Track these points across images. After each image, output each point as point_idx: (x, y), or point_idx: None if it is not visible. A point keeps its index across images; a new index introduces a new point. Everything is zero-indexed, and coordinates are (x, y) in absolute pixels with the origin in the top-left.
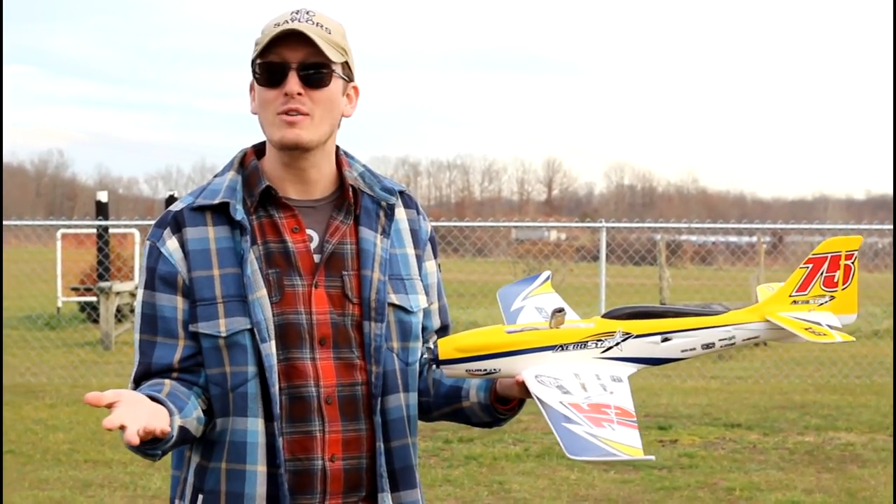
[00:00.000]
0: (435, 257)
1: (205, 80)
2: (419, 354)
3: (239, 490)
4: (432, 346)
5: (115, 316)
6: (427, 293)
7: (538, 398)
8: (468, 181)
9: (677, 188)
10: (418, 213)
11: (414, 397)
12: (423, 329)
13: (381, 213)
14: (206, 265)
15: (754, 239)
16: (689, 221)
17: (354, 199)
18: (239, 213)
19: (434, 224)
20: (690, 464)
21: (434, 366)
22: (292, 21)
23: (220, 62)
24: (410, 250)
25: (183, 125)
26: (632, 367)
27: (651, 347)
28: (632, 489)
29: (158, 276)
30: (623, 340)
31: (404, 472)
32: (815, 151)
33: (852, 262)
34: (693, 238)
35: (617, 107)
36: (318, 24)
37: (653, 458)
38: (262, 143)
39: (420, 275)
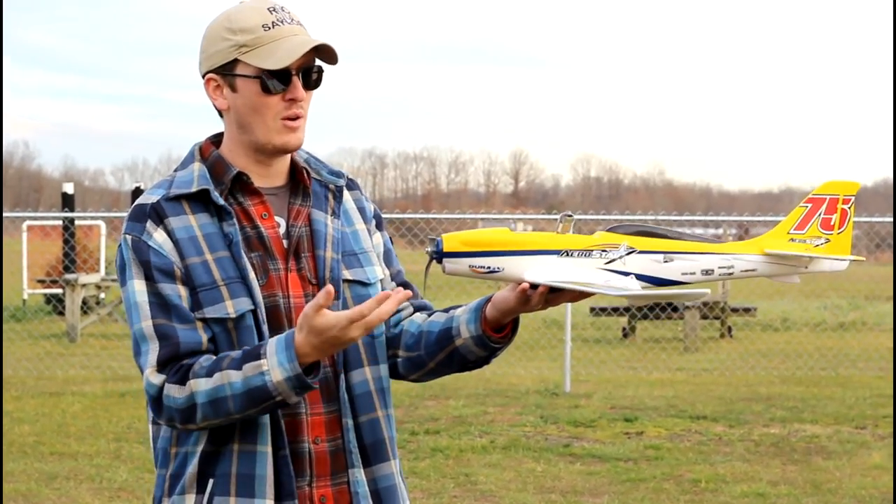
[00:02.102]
0: (381, 230)
1: (172, 71)
2: (384, 327)
3: (250, 472)
4: (437, 239)
5: (81, 308)
6: (380, 262)
7: (559, 282)
8: (435, 173)
9: (644, 180)
10: (362, 194)
11: (383, 370)
12: None
13: (330, 196)
14: (198, 251)
15: (720, 231)
16: (656, 213)
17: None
18: (220, 199)
19: (400, 216)
20: (656, 456)
21: (437, 261)
22: (282, 23)
23: (187, 53)
24: (361, 226)
25: (149, 116)
26: (634, 283)
27: (653, 265)
28: (598, 481)
29: (155, 268)
30: (627, 254)
31: (375, 447)
32: (781, 144)
33: (849, 207)
34: None
35: (583, 99)
36: (298, 22)
37: (707, 291)
38: (218, 135)
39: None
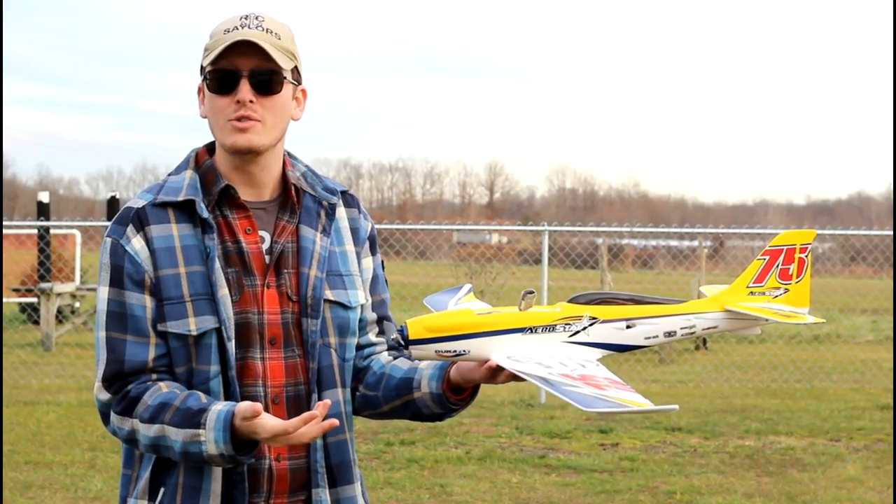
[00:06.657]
0: (374, 254)
1: (146, 80)
2: (355, 351)
3: (197, 484)
4: (402, 326)
5: (56, 317)
6: (364, 288)
7: (523, 373)
8: (410, 184)
9: (619, 192)
10: (360, 212)
11: (349, 393)
12: (360, 321)
13: (322, 213)
14: (173, 263)
15: (695, 243)
16: (631, 225)
17: (297, 199)
18: (205, 212)
19: (376, 227)
20: (631, 467)
21: (403, 347)
22: (242, 27)
23: (162, 63)
24: (350, 247)
25: (124, 126)
26: (597, 353)
27: (616, 333)
28: (573, 492)
29: (126, 275)
30: (590, 325)
31: (341, 468)
32: (756, 156)
33: (806, 256)
34: (634, 242)
35: (559, 111)
36: (267, 29)
37: (676, 407)
38: (213, 143)
39: (359, 270)
